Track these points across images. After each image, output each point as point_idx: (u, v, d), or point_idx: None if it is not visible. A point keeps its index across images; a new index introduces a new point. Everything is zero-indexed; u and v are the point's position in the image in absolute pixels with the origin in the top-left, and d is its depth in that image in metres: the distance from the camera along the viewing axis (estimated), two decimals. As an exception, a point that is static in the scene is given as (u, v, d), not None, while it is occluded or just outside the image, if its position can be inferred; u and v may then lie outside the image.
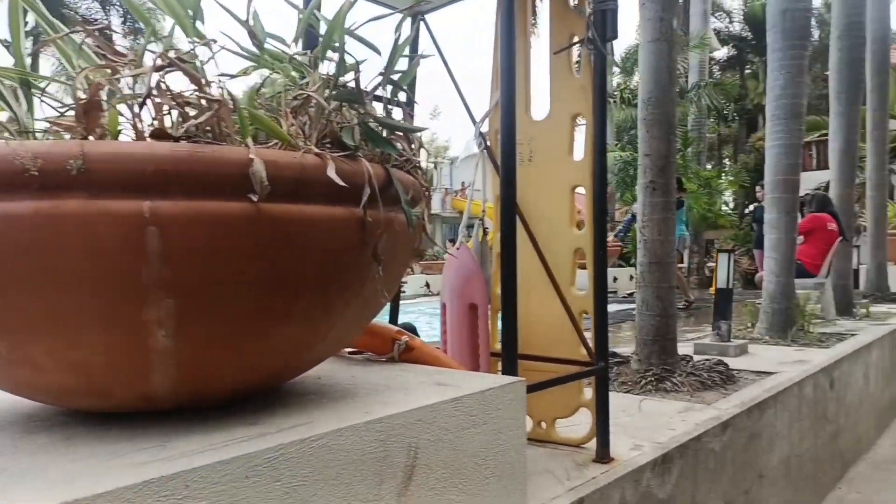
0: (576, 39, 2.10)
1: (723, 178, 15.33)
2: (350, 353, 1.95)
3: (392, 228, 1.28)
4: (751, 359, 3.92)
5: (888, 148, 8.22)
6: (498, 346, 2.42)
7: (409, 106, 2.41)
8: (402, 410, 1.27)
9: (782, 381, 3.20)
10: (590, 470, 1.98)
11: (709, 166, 22.08)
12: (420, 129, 1.40)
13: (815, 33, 18.63)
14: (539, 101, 2.29)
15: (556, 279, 2.14)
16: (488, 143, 2.32)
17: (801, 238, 5.60)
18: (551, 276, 2.14)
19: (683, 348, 4.17)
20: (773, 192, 4.70)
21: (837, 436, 3.73)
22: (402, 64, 1.44)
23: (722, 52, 22.24)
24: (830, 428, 3.62)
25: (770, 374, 3.41)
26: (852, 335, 4.79)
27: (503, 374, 1.75)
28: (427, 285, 13.18)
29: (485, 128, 2.35)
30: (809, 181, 13.88)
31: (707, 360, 3.41)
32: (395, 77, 1.43)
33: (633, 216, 5.77)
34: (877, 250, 7.71)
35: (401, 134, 1.43)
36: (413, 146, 1.46)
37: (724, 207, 18.77)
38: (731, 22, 22.37)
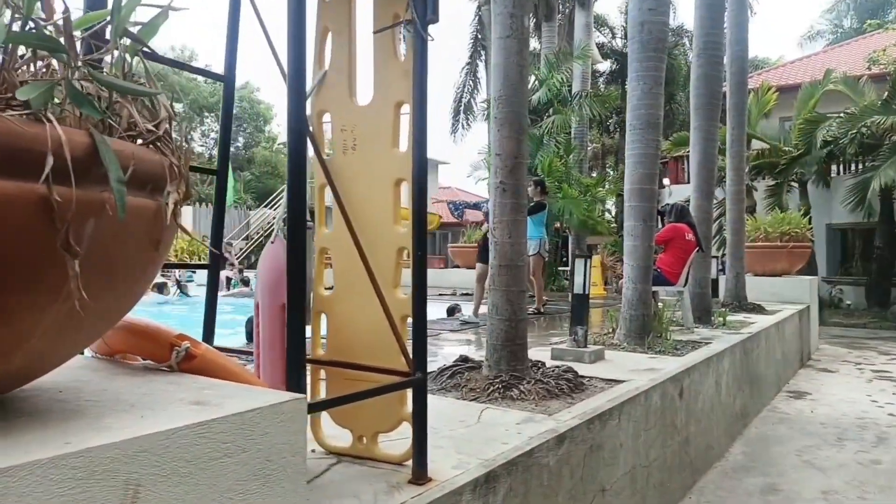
0: (399, 20, 1.92)
1: (604, 185, 15.86)
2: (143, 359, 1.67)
3: (103, 213, 1.02)
4: (605, 365, 3.91)
5: (745, 164, 8.73)
6: (320, 353, 2.20)
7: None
8: (119, 439, 1.01)
9: (629, 389, 3.17)
10: (402, 493, 1.78)
11: (594, 174, 22.98)
12: (155, 93, 1.14)
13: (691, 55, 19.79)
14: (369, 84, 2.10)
15: (376, 280, 1.94)
16: (311, 128, 2.10)
17: (661, 246, 5.77)
18: (372, 277, 1.94)
19: (543, 353, 4.11)
20: (630, 201, 4.76)
21: (687, 444, 3.78)
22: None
23: (605, 66, 23.21)
24: (679, 437, 3.65)
25: (620, 382, 3.38)
26: (707, 343, 4.94)
27: (288, 388, 1.52)
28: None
29: (309, 110, 2.13)
30: (680, 194, 14.68)
31: (558, 367, 3.34)
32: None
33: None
34: (735, 261, 8.15)
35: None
36: (159, 113, 1.20)
37: (606, 215, 19.56)
38: (613, 37, 23.44)
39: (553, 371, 3.24)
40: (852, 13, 24.86)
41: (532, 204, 6.74)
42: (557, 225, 14.18)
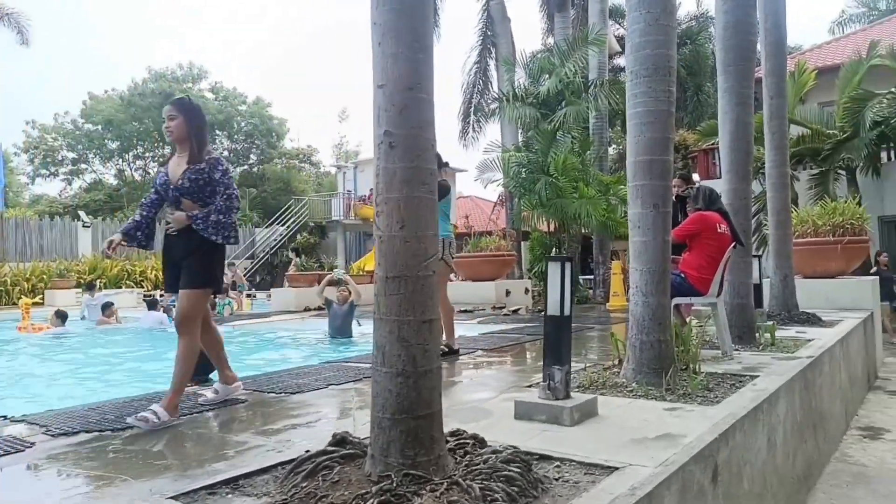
0: None
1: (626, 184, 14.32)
2: None
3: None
4: (595, 428, 2.51)
5: (788, 142, 7.20)
6: None
7: None
8: None
9: (620, 492, 1.77)
10: None
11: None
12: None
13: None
14: None
15: None
16: None
17: (684, 244, 4.34)
18: None
19: (507, 406, 2.73)
20: (635, 179, 3.36)
21: (725, 551, 2.35)
22: None
23: (624, 60, 21.73)
24: (712, 546, 2.23)
25: (610, 469, 1.99)
26: (752, 377, 3.49)
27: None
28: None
29: None
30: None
31: (496, 451, 1.95)
32: None
33: None
34: (781, 260, 6.62)
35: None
36: None
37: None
38: (634, 30, 21.97)
39: (486, 461, 1.86)
40: (889, -7, 23.05)
41: None
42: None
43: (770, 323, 5.28)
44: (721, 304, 4.29)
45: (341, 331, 7.53)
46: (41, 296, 12.76)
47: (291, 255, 15.63)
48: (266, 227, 23.67)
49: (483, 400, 3.15)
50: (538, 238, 12.76)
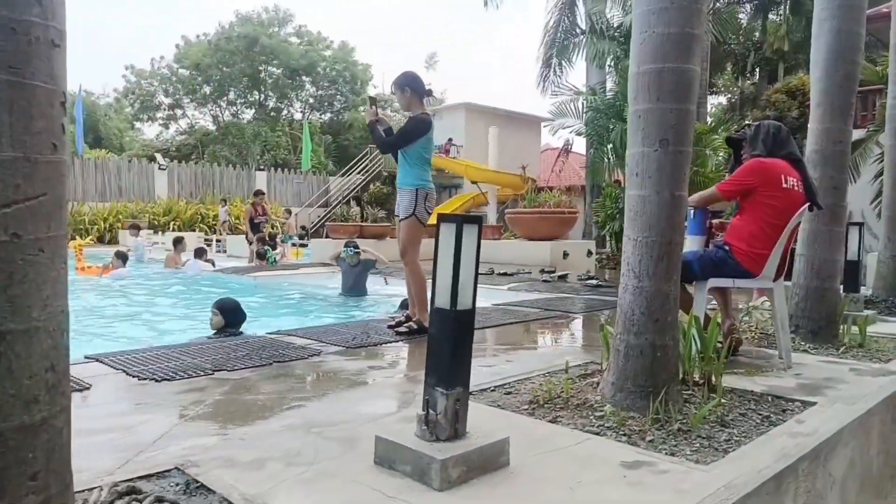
0: None
1: (720, 133, 12.25)
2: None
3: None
4: (477, 499, 1.52)
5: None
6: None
7: None
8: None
9: None
10: None
11: (734, 128, 19.10)
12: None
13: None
14: None
15: None
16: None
17: (732, 203, 3.11)
18: None
19: (393, 429, 1.78)
20: (635, 103, 2.23)
21: None
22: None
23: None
24: None
25: None
26: (804, 405, 2.34)
27: None
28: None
29: None
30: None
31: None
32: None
33: None
34: (894, 233, 5.12)
35: None
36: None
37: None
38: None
39: None
40: None
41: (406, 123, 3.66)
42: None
43: (865, 314, 3.95)
44: (780, 290, 3.05)
45: (354, 289, 6.86)
46: (90, 238, 12.99)
47: (353, 203, 15.04)
48: (341, 175, 23.26)
49: (372, 417, 2.20)
50: (611, 193, 11.29)
